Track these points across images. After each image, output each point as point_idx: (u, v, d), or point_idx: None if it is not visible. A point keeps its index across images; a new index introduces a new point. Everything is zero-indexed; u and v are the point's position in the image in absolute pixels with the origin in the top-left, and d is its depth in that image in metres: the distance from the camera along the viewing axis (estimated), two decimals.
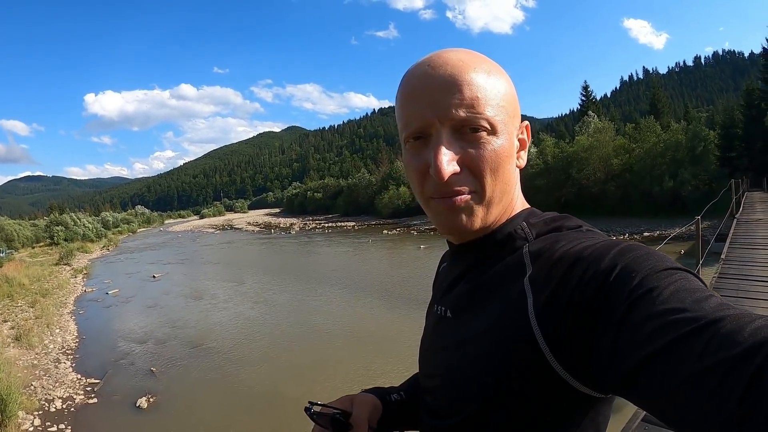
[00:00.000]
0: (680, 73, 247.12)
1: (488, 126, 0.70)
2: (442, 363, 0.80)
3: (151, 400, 8.95)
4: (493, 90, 0.71)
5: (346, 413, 0.87)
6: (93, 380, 10.18)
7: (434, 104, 0.70)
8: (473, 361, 0.71)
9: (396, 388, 1.05)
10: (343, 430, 0.85)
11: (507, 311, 0.68)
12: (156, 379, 10.06)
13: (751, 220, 14.80)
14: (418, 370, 0.96)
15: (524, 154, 0.80)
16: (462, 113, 0.69)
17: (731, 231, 12.29)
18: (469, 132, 0.70)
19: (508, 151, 0.73)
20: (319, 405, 0.87)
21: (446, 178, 0.69)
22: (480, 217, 0.74)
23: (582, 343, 0.58)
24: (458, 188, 0.71)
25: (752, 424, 0.38)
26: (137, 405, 8.74)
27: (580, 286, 0.60)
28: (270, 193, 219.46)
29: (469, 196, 0.72)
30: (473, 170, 0.71)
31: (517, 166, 0.79)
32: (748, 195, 24.16)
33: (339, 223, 62.84)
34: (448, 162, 0.69)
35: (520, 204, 0.82)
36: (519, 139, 0.78)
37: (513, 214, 0.80)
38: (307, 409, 0.87)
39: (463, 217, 0.73)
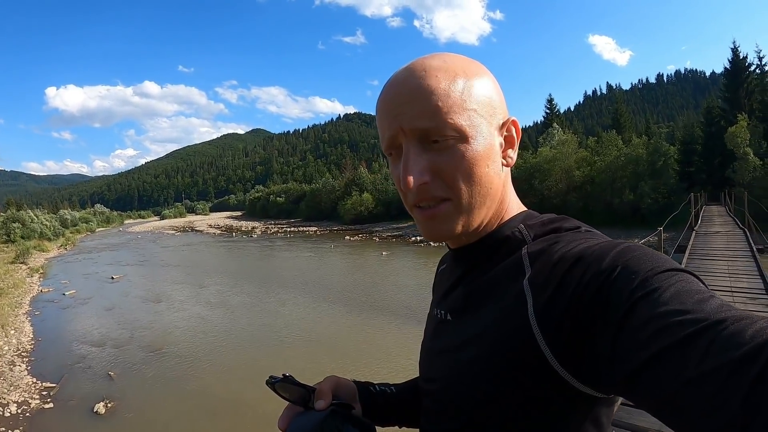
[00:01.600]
0: (643, 90, 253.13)
1: (455, 133, 0.69)
2: (442, 366, 0.79)
3: (108, 405, 8.70)
4: (459, 95, 0.69)
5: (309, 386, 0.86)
6: (49, 384, 9.85)
7: (399, 116, 0.70)
8: (473, 363, 0.70)
9: (387, 383, 1.05)
10: (305, 395, 0.85)
11: (507, 313, 0.68)
12: (114, 384, 9.80)
13: (709, 233, 15.27)
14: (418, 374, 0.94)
15: (512, 152, 0.78)
16: (425, 123, 0.68)
17: (690, 242, 12.68)
18: (437, 140, 0.69)
19: (484, 154, 0.71)
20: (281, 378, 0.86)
21: (414, 189, 0.69)
22: (460, 224, 0.74)
23: (583, 344, 0.58)
24: (432, 196, 0.71)
25: (755, 427, 0.38)
26: (95, 410, 8.49)
27: (580, 287, 0.59)
28: (232, 195, 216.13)
29: (446, 204, 0.72)
30: (444, 178, 0.70)
31: (505, 165, 0.77)
32: (706, 208, 24.93)
33: (301, 228, 62.23)
34: (414, 173, 0.69)
35: (515, 205, 0.82)
36: (505, 137, 0.77)
37: (509, 216, 0.80)
38: (268, 382, 0.86)
39: (442, 225, 0.73)
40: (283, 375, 0.86)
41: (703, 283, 0.55)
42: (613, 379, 0.54)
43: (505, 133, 0.77)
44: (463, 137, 0.69)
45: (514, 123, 0.78)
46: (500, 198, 0.78)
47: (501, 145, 0.76)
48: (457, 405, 0.74)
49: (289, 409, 0.86)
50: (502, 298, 0.70)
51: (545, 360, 0.61)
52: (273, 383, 0.86)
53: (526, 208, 0.83)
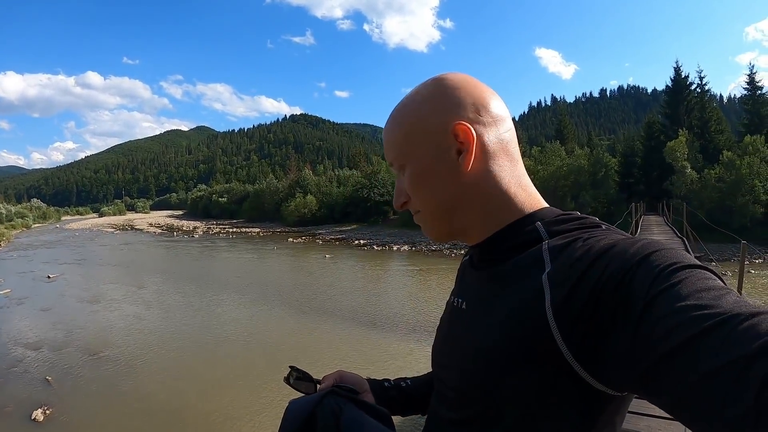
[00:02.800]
0: (586, 103, 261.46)
1: (398, 165, 0.84)
2: (457, 354, 0.81)
3: (47, 412, 8.31)
4: (393, 136, 0.84)
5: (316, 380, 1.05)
6: None
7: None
8: (487, 354, 0.72)
9: (401, 378, 1.14)
10: (310, 386, 1.04)
11: (524, 307, 0.69)
12: (52, 389, 9.39)
13: None
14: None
15: (465, 156, 0.77)
16: (388, 159, 0.87)
17: None
18: (397, 170, 0.86)
19: (427, 172, 0.80)
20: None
21: (398, 209, 0.88)
22: (439, 228, 0.85)
23: (600, 340, 0.59)
24: (414, 210, 0.86)
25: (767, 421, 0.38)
26: (32, 418, 8.09)
27: (599, 284, 0.60)
28: (174, 194, 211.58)
29: (422, 214, 0.85)
30: (410, 195, 0.84)
31: (464, 170, 0.77)
32: (644, 218, 25.71)
33: (244, 229, 61.44)
34: (397, 196, 0.87)
35: (528, 203, 0.81)
36: (459, 143, 0.77)
37: (522, 212, 0.80)
38: (286, 380, 1.07)
39: (426, 228, 0.87)
40: (290, 367, 1.03)
41: (722, 280, 0.56)
42: (629, 376, 0.55)
43: (452, 143, 0.77)
44: (403, 165, 0.83)
45: (459, 128, 0.77)
46: (485, 198, 0.79)
47: (458, 153, 0.77)
48: (470, 394, 0.75)
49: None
50: (520, 291, 0.71)
51: (561, 355, 0.62)
52: (289, 381, 1.03)
53: (545, 205, 0.83)
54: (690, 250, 12.56)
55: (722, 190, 27.91)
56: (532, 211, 0.80)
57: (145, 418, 8.03)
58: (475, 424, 0.74)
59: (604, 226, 0.74)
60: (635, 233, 17.85)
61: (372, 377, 1.11)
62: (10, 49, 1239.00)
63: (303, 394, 0.99)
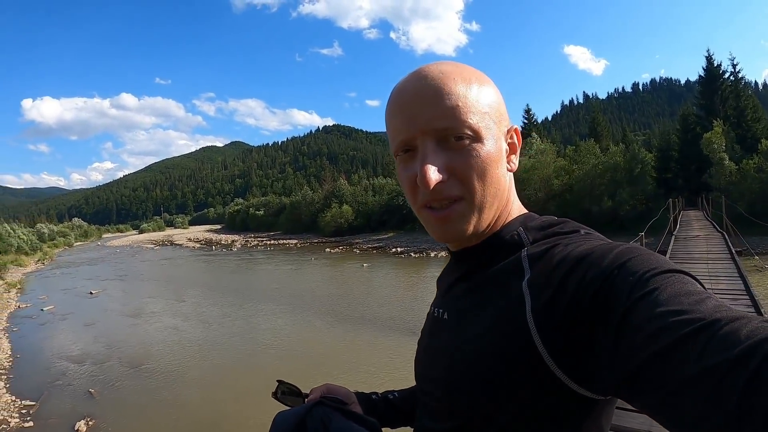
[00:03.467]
0: (619, 99, 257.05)
1: (471, 133, 0.71)
2: (440, 365, 0.79)
3: (90, 423, 8.52)
4: (474, 98, 0.72)
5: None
6: (28, 402, 9.64)
7: (417, 116, 0.72)
8: (471, 364, 0.71)
9: (389, 391, 1.14)
10: (298, 400, 1.04)
11: (505, 314, 0.69)
12: (95, 402, 9.61)
13: (688, 237, 15.47)
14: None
15: (515, 158, 0.81)
16: (443, 123, 0.70)
17: (670, 247, 12.83)
18: (453, 140, 0.71)
19: (495, 156, 0.74)
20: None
21: (432, 186, 0.70)
22: (472, 224, 0.75)
23: (581, 346, 0.59)
24: (447, 195, 0.72)
25: (751, 425, 0.38)
26: (76, 429, 8.28)
27: (579, 289, 0.60)
28: (211, 209, 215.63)
29: (459, 204, 0.73)
30: (460, 177, 0.72)
31: (508, 170, 0.80)
32: (684, 213, 25.25)
33: (281, 241, 61.90)
34: (433, 171, 0.70)
35: (516, 208, 0.83)
36: (509, 144, 0.79)
37: (509, 218, 0.81)
38: (274, 394, 1.07)
39: (455, 225, 0.75)
40: (277, 381, 1.03)
41: (701, 284, 0.56)
42: (611, 380, 0.54)
43: (509, 140, 0.80)
44: (478, 138, 0.72)
45: (516, 131, 0.82)
46: (505, 201, 0.80)
47: (506, 151, 0.79)
48: (454, 405, 0.75)
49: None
50: (501, 299, 0.71)
51: (543, 361, 0.62)
52: (276, 396, 1.04)
53: (526, 210, 0.85)
54: (731, 244, 12.27)
55: (763, 180, 27.18)
56: (516, 216, 0.82)
57: (184, 426, 8.20)
58: None
59: (582, 231, 0.75)
60: (674, 229, 17.59)
61: (360, 390, 1.12)
62: (45, 75, 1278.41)
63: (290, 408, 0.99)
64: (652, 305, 0.51)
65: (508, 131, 0.79)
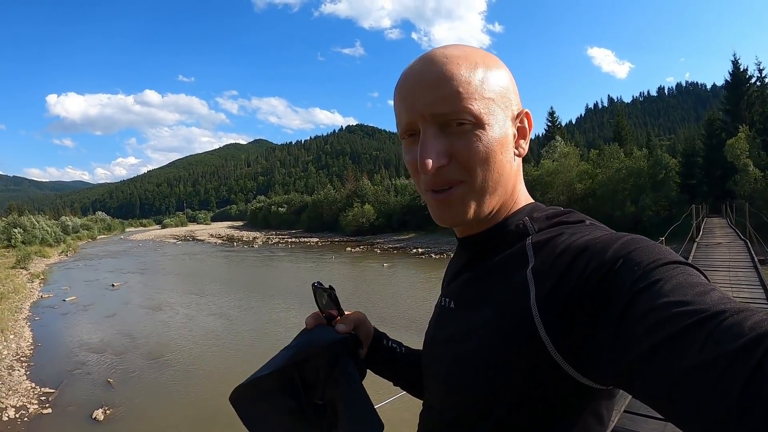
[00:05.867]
0: (644, 102, 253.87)
1: (473, 119, 0.70)
2: (446, 354, 0.80)
3: (107, 412, 8.66)
4: (478, 83, 0.71)
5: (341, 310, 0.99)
6: (48, 390, 9.83)
7: (419, 101, 0.71)
8: (476, 352, 0.71)
9: (399, 342, 1.11)
10: (330, 316, 0.98)
11: (509, 303, 0.68)
12: (113, 391, 9.76)
13: (710, 244, 15.26)
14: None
15: (524, 143, 0.80)
16: (443, 108, 0.70)
17: (692, 254, 12.67)
18: (455, 125, 0.70)
19: (499, 142, 0.73)
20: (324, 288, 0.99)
21: (430, 170, 0.70)
22: (472, 208, 0.74)
23: (584, 334, 0.58)
24: (447, 179, 0.72)
25: (753, 417, 0.38)
26: (93, 417, 8.44)
27: (582, 278, 0.60)
28: (234, 205, 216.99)
29: (461, 188, 0.73)
30: (461, 161, 0.71)
31: (517, 155, 0.79)
32: (707, 220, 24.94)
33: (302, 239, 62.21)
34: (432, 155, 0.69)
35: (523, 197, 0.83)
36: (518, 128, 0.78)
37: (516, 207, 0.81)
38: (313, 285, 1.01)
39: (455, 208, 0.74)
40: (329, 286, 0.98)
41: (705, 277, 0.56)
42: (613, 370, 0.54)
43: (518, 124, 0.79)
44: (479, 123, 0.71)
45: (527, 115, 0.80)
46: (511, 187, 0.79)
47: (514, 136, 0.78)
48: (460, 391, 0.75)
49: (315, 317, 0.98)
50: (506, 287, 0.71)
51: (546, 350, 0.62)
52: (316, 287, 0.99)
53: (533, 201, 0.84)
54: (753, 253, 12.07)
55: None
56: (523, 205, 0.82)
57: (203, 423, 8.31)
58: (465, 421, 0.75)
59: (588, 222, 0.75)
60: (696, 236, 17.32)
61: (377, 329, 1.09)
62: (70, 71, 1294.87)
63: (317, 307, 1.01)
64: (655, 296, 0.51)
65: (518, 115, 0.78)
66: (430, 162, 0.69)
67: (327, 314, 0.98)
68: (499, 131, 0.73)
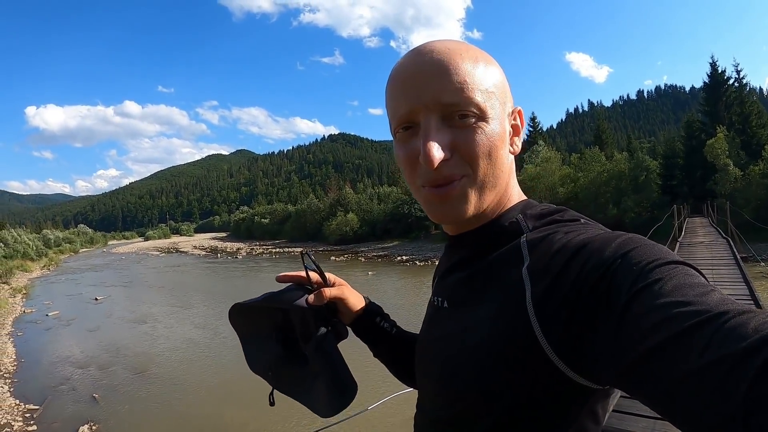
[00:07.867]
0: (624, 106, 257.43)
1: (477, 111, 0.69)
2: (440, 354, 0.78)
3: (93, 428, 8.52)
4: (480, 76, 0.70)
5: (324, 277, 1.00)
6: (32, 406, 9.67)
7: (421, 91, 0.69)
8: (470, 352, 0.70)
9: (393, 324, 1.10)
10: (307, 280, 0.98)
11: (504, 301, 0.67)
12: (98, 407, 9.62)
13: (693, 243, 15.41)
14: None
15: (518, 140, 0.79)
16: (451, 98, 0.68)
17: (675, 253, 12.75)
18: (458, 118, 0.69)
19: (500, 136, 0.72)
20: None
21: (436, 164, 0.67)
22: (473, 204, 0.72)
23: (581, 334, 0.57)
24: (449, 174, 0.70)
25: (757, 420, 0.38)
26: None
27: (580, 278, 0.59)
28: (217, 216, 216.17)
29: (462, 182, 0.71)
30: (464, 156, 0.69)
31: (511, 152, 0.78)
32: (689, 220, 25.17)
33: (286, 249, 62.00)
34: (437, 148, 0.67)
35: (516, 194, 0.82)
36: (512, 126, 0.78)
37: (509, 204, 0.80)
38: (302, 253, 0.99)
39: (456, 204, 0.72)
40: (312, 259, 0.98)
41: (704, 277, 0.55)
42: (612, 371, 0.53)
43: (512, 121, 0.78)
44: (483, 116, 0.69)
45: (519, 113, 0.80)
46: (505, 185, 0.78)
47: (510, 133, 0.77)
48: (454, 391, 0.73)
49: (293, 277, 1.00)
50: (500, 286, 0.70)
51: (542, 350, 0.61)
52: (304, 253, 0.99)
53: (526, 198, 0.84)
54: (735, 251, 12.22)
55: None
56: (516, 202, 0.81)
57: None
58: (460, 421, 0.73)
59: (583, 220, 0.74)
60: (679, 236, 17.50)
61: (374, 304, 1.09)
62: (48, 82, 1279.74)
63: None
64: (655, 296, 0.50)
65: (512, 112, 0.78)
66: (435, 155, 0.66)
67: (308, 279, 0.98)
68: (499, 126, 0.72)
